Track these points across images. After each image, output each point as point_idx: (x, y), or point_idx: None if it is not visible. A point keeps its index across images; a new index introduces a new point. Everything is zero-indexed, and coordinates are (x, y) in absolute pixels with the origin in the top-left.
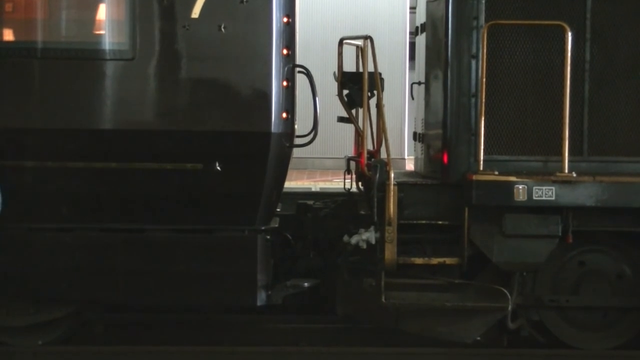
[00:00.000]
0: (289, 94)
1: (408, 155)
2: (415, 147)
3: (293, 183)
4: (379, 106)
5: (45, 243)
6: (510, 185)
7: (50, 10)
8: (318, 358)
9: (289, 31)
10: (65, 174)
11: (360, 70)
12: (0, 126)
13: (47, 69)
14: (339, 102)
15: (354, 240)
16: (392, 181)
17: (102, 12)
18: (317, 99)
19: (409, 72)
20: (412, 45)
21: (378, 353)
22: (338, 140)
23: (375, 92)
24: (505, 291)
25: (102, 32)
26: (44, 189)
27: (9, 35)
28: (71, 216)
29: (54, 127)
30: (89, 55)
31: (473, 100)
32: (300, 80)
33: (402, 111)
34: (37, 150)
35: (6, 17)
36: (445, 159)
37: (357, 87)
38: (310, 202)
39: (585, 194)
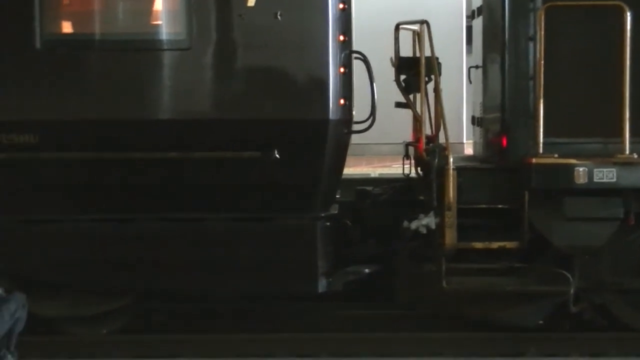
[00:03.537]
0: (346, 80)
1: (466, 140)
2: (473, 131)
3: (351, 169)
4: (437, 91)
5: (106, 234)
6: (570, 168)
7: (106, 2)
8: (382, 343)
9: (345, 17)
10: (124, 165)
11: (417, 55)
12: (57, 118)
13: (104, 60)
14: (396, 87)
15: (413, 225)
16: (451, 166)
17: (159, 3)
18: (374, 84)
19: (466, 55)
20: (469, 29)
21: (440, 339)
22: (396, 126)
23: (432, 76)
24: (567, 274)
25: (158, 22)
26: (103, 181)
27: (66, 27)
28: (131, 207)
29: (111, 118)
30: (145, 46)
31: (531, 83)
32: (357, 66)
33: (460, 95)
34: (96, 142)
35: (63, 10)
36: (504, 142)
37: (414, 72)
38: (369, 188)
39: None
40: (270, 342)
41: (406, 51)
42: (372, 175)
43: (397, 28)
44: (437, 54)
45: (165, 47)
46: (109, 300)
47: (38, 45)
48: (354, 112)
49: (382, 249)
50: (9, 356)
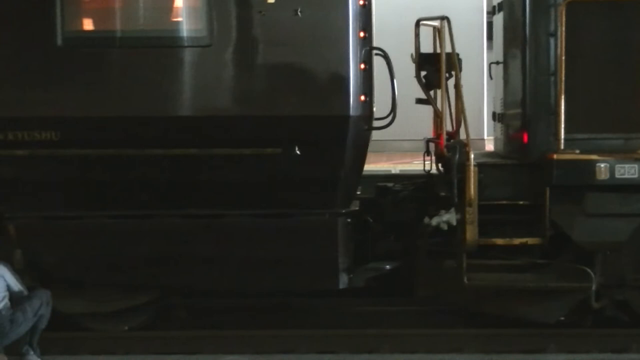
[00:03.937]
0: (367, 76)
1: (487, 136)
2: (494, 127)
3: (372, 166)
4: (457, 87)
5: (126, 230)
6: (591, 164)
7: None
8: (402, 339)
9: (365, 14)
10: (145, 162)
11: (438, 51)
12: (78, 115)
13: (125, 57)
14: (416, 83)
15: (434, 221)
16: (472, 162)
17: (180, 0)
18: (394, 81)
19: (487, 51)
20: (490, 25)
21: (460, 335)
22: (417, 122)
23: (453, 72)
24: (589, 271)
25: (179, 19)
26: (124, 177)
27: (87, 25)
28: (151, 203)
29: (132, 115)
30: (166, 43)
31: (552, 78)
32: (378, 62)
33: (481, 91)
34: (117, 139)
35: (84, 7)
36: (525, 138)
37: (435, 68)
38: (390, 185)
39: None
40: (290, 338)
41: (427, 47)
42: (393, 171)
43: (417, 24)
44: (457, 50)
45: (186, 44)
46: (130, 297)
47: (59, 42)
48: (374, 109)
49: (403, 246)
50: (32, 353)
